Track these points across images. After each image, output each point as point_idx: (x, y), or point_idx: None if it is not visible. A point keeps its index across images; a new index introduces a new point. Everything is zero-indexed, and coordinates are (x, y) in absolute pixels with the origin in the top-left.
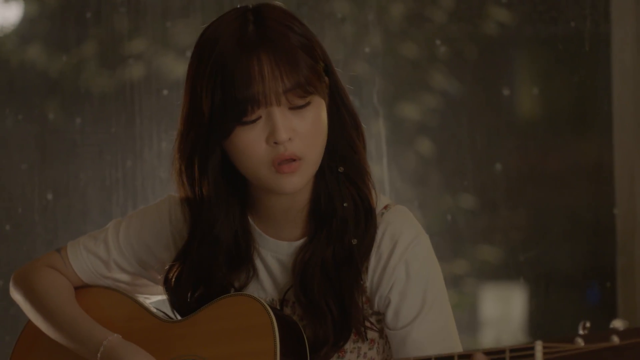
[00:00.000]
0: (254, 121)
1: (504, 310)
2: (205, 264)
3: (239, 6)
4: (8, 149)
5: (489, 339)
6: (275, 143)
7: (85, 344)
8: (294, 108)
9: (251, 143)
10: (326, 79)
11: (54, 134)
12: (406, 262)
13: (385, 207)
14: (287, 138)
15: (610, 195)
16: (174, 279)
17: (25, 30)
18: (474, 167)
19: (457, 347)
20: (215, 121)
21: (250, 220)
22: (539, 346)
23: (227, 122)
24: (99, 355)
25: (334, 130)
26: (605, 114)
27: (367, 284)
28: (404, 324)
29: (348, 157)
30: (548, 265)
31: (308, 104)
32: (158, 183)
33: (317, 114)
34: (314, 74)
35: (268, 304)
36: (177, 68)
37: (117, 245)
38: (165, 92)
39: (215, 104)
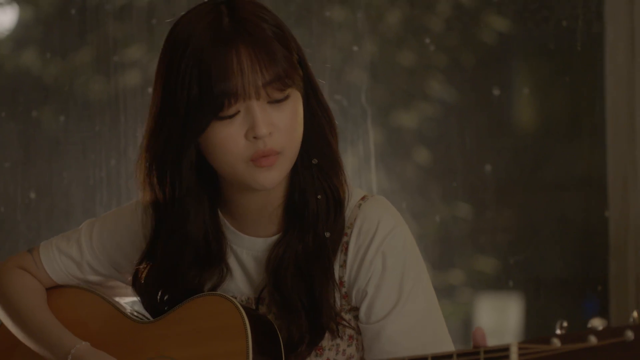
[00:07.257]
0: (231, 116)
1: (500, 319)
2: (172, 264)
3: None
4: None
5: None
6: (255, 138)
7: (53, 351)
8: (272, 102)
9: (229, 138)
10: (300, 71)
11: (37, 132)
12: (383, 254)
13: (363, 199)
14: (267, 133)
15: (603, 198)
16: (143, 280)
17: (20, 35)
18: (467, 175)
19: (437, 340)
20: (190, 117)
21: (223, 219)
22: (514, 347)
23: (203, 117)
24: None
25: (307, 123)
26: (598, 116)
27: (345, 278)
28: (377, 318)
29: (321, 149)
30: (539, 270)
31: (287, 97)
32: None
33: (295, 107)
34: (291, 66)
35: (241, 304)
36: None
37: (90, 247)
38: (150, 90)
39: (192, 99)
